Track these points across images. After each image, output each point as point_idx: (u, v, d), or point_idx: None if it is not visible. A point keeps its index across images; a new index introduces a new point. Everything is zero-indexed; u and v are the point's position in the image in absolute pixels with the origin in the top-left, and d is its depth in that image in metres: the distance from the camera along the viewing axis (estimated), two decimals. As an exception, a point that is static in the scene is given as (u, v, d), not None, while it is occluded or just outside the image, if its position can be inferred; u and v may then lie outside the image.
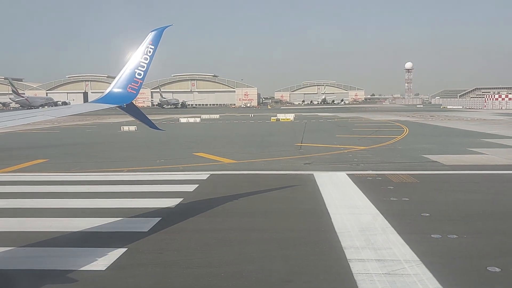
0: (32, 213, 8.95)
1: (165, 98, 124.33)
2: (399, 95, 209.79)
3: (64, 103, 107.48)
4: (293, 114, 53.00)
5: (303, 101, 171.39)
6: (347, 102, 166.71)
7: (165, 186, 11.62)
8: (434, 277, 5.43)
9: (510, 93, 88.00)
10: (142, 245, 6.83)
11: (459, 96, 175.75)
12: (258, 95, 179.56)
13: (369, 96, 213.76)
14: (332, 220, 8.06)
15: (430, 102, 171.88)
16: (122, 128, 34.85)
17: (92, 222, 8.11)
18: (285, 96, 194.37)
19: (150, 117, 8.35)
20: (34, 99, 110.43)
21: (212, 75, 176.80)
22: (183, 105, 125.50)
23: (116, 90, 6.94)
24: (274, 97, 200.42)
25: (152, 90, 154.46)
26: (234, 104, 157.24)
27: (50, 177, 13.42)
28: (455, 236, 7.04)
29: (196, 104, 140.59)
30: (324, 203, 9.40)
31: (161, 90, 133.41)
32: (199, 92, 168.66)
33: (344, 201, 9.55)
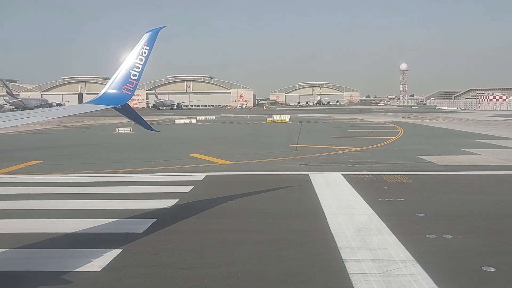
0: (27, 215, 8.91)
1: (160, 99, 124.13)
2: (394, 96, 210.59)
3: (59, 105, 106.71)
4: (289, 115, 53.06)
5: (299, 102, 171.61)
6: (342, 103, 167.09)
7: (161, 187, 11.59)
8: (429, 277, 5.46)
9: (504, 94, 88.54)
10: (137, 246, 6.80)
11: (454, 97, 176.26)
12: (254, 96, 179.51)
13: (364, 98, 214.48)
14: (328, 220, 8.08)
15: (425, 103, 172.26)
16: (117, 130, 34.78)
17: (87, 224, 8.08)
18: (281, 97, 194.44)
19: (145, 118, 8.34)
20: (28, 100, 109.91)
21: (207, 77, 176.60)
22: (179, 106, 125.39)
23: (111, 91, 6.92)
24: (269, 98, 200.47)
25: (147, 92, 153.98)
26: (230, 106, 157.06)
27: (44, 178, 13.37)
28: (450, 236, 7.07)
29: (191, 106, 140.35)
30: (320, 203, 9.42)
31: (156, 92, 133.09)
32: (194, 93, 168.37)
33: (340, 202, 9.56)
